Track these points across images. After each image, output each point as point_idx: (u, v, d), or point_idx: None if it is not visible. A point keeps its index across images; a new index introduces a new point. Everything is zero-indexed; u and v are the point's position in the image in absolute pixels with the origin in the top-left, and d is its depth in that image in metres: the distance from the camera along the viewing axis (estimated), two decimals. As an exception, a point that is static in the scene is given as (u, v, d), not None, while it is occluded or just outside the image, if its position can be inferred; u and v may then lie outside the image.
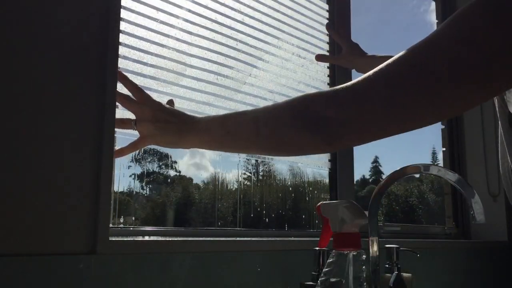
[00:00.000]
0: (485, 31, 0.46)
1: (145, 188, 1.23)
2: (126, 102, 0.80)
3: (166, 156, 1.23)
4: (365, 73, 1.19)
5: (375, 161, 2.33)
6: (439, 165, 1.24)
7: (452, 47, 0.48)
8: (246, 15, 1.23)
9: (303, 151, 0.70)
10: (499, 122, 0.72)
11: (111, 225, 0.82)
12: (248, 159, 1.33)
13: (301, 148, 0.65)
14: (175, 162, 1.24)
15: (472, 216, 0.93)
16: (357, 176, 1.47)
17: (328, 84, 1.44)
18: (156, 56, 1.02)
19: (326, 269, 0.73)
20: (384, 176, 1.06)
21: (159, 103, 0.79)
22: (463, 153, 1.91)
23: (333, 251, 0.75)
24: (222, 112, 1.13)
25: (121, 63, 0.94)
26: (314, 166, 1.41)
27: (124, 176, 1.06)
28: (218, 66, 1.15)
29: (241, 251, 0.97)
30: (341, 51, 1.19)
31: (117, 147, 0.83)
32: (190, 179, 1.33)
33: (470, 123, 1.91)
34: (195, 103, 1.08)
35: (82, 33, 0.79)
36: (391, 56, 1.07)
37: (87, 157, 0.77)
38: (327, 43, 1.47)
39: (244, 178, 1.35)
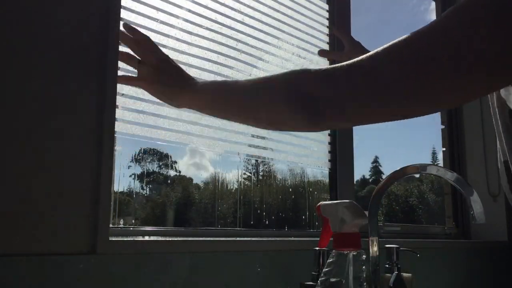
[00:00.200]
0: (487, 24, 0.46)
1: (145, 188, 1.23)
2: (135, 45, 0.80)
3: (166, 156, 1.23)
4: None
5: (375, 161, 2.33)
6: (439, 165, 1.24)
7: (453, 37, 0.48)
8: (246, 15, 1.23)
9: (290, 127, 0.69)
10: (498, 119, 0.71)
11: (111, 225, 0.82)
12: (248, 159, 1.33)
13: (288, 123, 0.64)
14: (175, 162, 1.24)
15: (472, 216, 0.93)
16: (357, 176, 1.48)
17: (328, 84, 1.44)
18: (156, 56, 1.02)
19: (326, 269, 0.73)
20: (384, 176, 1.06)
21: (166, 56, 0.79)
22: (463, 153, 1.91)
23: (333, 251, 0.75)
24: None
25: (121, 63, 0.93)
26: (314, 166, 1.41)
27: (124, 176, 1.06)
28: (218, 66, 1.15)
29: (241, 251, 0.97)
30: (343, 49, 1.19)
31: (117, 147, 0.83)
32: (190, 179, 1.33)
33: (470, 123, 1.91)
34: (195, 103, 1.08)
35: (82, 33, 0.79)
36: None
37: (87, 157, 0.77)
38: (327, 43, 1.47)
39: (244, 178, 1.35)
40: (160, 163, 1.24)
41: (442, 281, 1.48)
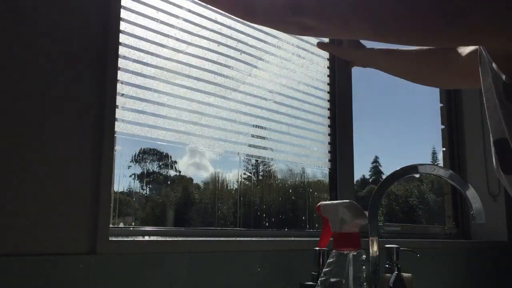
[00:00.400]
0: None
1: (145, 188, 1.23)
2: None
3: (166, 156, 1.23)
4: (363, 66, 1.20)
5: (375, 161, 2.33)
6: (439, 165, 1.24)
7: None
8: (246, 15, 1.23)
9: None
10: (494, 94, 0.70)
11: (111, 225, 0.82)
12: (248, 159, 1.33)
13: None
14: (175, 162, 1.24)
15: (472, 216, 0.93)
16: (357, 176, 1.48)
17: (328, 84, 1.44)
18: (156, 56, 1.02)
19: (326, 269, 0.73)
20: (384, 176, 1.06)
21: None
22: (463, 153, 1.91)
23: (333, 251, 0.75)
24: (222, 112, 1.13)
25: (121, 63, 0.94)
26: (314, 166, 1.41)
27: (124, 176, 1.06)
28: (218, 66, 1.15)
29: (241, 251, 0.97)
30: (342, 43, 1.19)
31: (117, 147, 0.84)
32: (190, 179, 1.33)
33: (470, 123, 1.91)
34: (195, 103, 1.08)
35: (82, 33, 0.79)
36: (389, 50, 1.08)
37: (87, 157, 0.77)
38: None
39: (244, 178, 1.35)
40: (160, 163, 1.24)
41: (442, 281, 1.48)
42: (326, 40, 1.35)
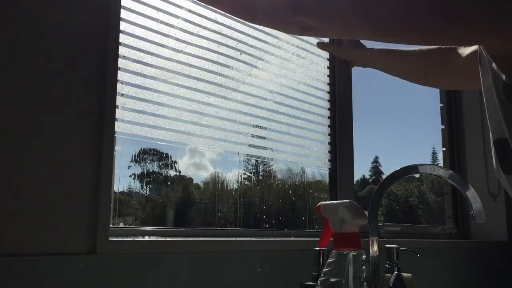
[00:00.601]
0: None
1: (145, 188, 1.23)
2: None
3: (166, 156, 1.23)
4: (363, 66, 1.20)
5: (375, 161, 2.33)
6: (439, 165, 1.24)
7: None
8: (246, 15, 1.23)
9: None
10: (494, 94, 0.70)
11: (111, 225, 0.82)
12: (248, 159, 1.33)
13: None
14: (175, 162, 1.24)
15: (472, 216, 0.93)
16: (357, 176, 1.47)
17: (328, 84, 1.44)
18: (156, 56, 1.02)
19: (326, 269, 0.73)
20: (384, 176, 1.06)
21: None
22: (463, 153, 1.91)
23: (333, 251, 0.75)
24: (222, 112, 1.13)
25: (121, 63, 0.94)
26: (314, 166, 1.41)
27: (124, 176, 1.06)
28: (218, 66, 1.15)
29: (241, 251, 0.97)
30: (341, 43, 1.19)
31: (117, 147, 0.84)
32: (190, 179, 1.33)
33: (470, 123, 1.91)
34: (195, 103, 1.08)
35: (82, 33, 0.79)
36: (389, 50, 1.07)
37: (87, 157, 0.77)
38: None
39: (244, 178, 1.35)
40: (160, 163, 1.24)
41: (442, 281, 1.48)
42: (326, 40, 1.35)
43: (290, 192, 1.45)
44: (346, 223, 0.75)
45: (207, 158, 1.30)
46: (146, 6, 1.01)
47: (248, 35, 1.23)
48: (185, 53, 1.08)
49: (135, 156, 1.14)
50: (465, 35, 0.57)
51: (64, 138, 0.75)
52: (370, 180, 2.28)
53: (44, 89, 0.74)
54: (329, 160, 1.41)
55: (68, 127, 0.76)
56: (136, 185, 1.18)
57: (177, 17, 1.08)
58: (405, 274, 1.03)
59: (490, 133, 0.72)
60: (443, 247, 1.57)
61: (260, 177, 1.43)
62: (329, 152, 1.41)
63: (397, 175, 1.00)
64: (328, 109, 1.43)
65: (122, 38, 0.95)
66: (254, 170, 1.40)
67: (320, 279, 0.74)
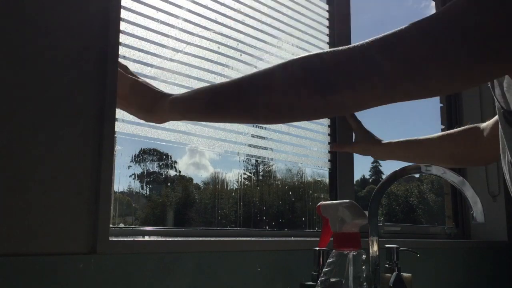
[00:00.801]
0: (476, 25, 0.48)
1: (145, 188, 1.23)
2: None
3: (166, 156, 1.23)
4: (381, 160, 1.18)
5: (375, 161, 2.33)
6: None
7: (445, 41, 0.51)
8: (246, 15, 1.23)
9: (293, 110, 0.66)
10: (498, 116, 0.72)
11: (111, 225, 0.82)
12: (248, 159, 1.33)
13: (293, 104, 0.63)
14: (175, 162, 1.24)
15: (472, 216, 0.93)
16: (357, 176, 1.47)
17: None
18: (156, 56, 1.02)
19: (326, 269, 0.73)
20: (384, 176, 1.06)
21: (134, 76, 0.83)
22: (463, 153, 1.90)
23: (333, 251, 0.75)
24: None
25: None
26: (314, 166, 1.41)
27: (124, 176, 1.06)
28: (218, 66, 1.15)
29: (241, 251, 0.97)
30: (356, 139, 1.21)
31: (117, 147, 0.84)
32: (190, 179, 1.33)
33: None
34: (195, 103, 1.08)
35: (82, 33, 0.79)
36: (407, 141, 1.07)
37: (87, 157, 0.77)
38: (327, 43, 1.47)
39: (244, 178, 1.35)
40: (160, 163, 1.24)
41: (442, 281, 1.48)
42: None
43: (290, 190, 1.45)
44: (346, 223, 0.75)
45: (207, 157, 1.30)
46: (146, 6, 1.01)
47: (248, 35, 1.23)
48: (185, 53, 1.08)
49: (135, 156, 1.14)
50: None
51: (64, 138, 0.75)
52: (370, 180, 2.28)
53: (44, 89, 0.74)
54: (329, 160, 1.41)
55: (68, 127, 0.76)
56: (136, 185, 1.18)
57: (177, 17, 1.08)
58: (405, 274, 1.03)
59: (508, 153, 0.73)
60: (443, 247, 1.57)
61: (260, 177, 1.43)
62: (329, 152, 1.41)
63: (397, 175, 1.00)
64: (328, 109, 1.42)
65: (122, 38, 0.95)
66: (254, 170, 1.40)
67: (320, 279, 0.74)
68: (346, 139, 1.40)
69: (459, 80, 0.54)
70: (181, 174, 1.29)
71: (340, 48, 0.60)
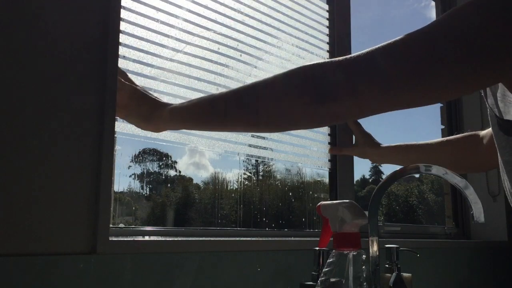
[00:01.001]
0: (476, 31, 0.48)
1: (145, 188, 1.23)
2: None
3: (166, 156, 1.23)
4: (380, 163, 1.17)
5: (375, 161, 2.33)
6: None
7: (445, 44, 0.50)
8: (246, 15, 1.23)
9: (294, 120, 0.66)
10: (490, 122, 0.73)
11: (111, 225, 0.82)
12: (248, 159, 1.33)
13: (294, 113, 0.63)
14: (175, 162, 1.24)
15: (472, 216, 0.93)
16: (357, 176, 1.48)
17: (328, 84, 1.44)
18: (156, 56, 1.02)
19: (326, 269, 0.73)
20: (384, 176, 1.06)
21: (133, 84, 0.83)
22: (463, 153, 1.90)
23: (333, 251, 0.75)
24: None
25: (121, 63, 0.93)
26: (314, 166, 1.41)
27: (124, 176, 1.06)
28: (218, 66, 1.15)
29: (241, 251, 0.97)
30: (356, 141, 1.21)
31: (117, 147, 0.84)
32: (190, 179, 1.33)
33: (470, 123, 1.91)
34: (195, 103, 1.08)
35: (82, 33, 0.79)
36: (407, 145, 1.07)
37: (87, 157, 0.77)
38: (327, 43, 1.47)
39: (244, 178, 1.35)
40: (160, 163, 1.24)
41: (442, 281, 1.48)
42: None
43: (290, 194, 1.45)
44: (346, 223, 0.75)
45: (207, 157, 1.30)
46: (146, 6, 1.01)
47: (248, 35, 1.23)
48: (185, 53, 1.08)
49: (135, 156, 1.14)
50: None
51: (64, 138, 0.75)
52: (370, 180, 2.28)
53: (44, 89, 0.74)
54: (329, 160, 1.42)
55: (68, 127, 0.76)
56: (136, 185, 1.18)
57: (177, 17, 1.08)
58: (405, 274, 1.03)
59: (499, 159, 0.73)
60: (443, 247, 1.57)
61: (260, 177, 1.43)
62: (329, 152, 1.41)
63: (397, 175, 1.00)
64: (328, 109, 1.42)
65: (122, 38, 0.95)
66: (254, 170, 1.40)
67: (320, 279, 0.74)
68: (346, 140, 1.40)
69: (459, 87, 0.54)
70: (181, 174, 1.29)
71: (341, 57, 0.60)
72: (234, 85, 1.17)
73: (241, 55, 1.20)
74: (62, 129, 0.75)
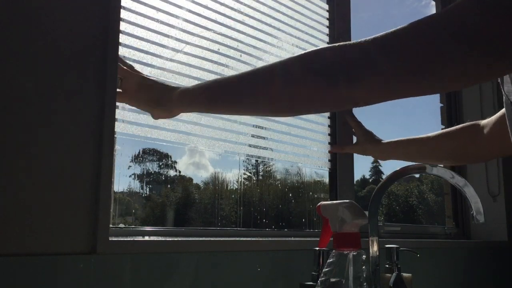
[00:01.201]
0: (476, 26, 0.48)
1: (145, 188, 1.23)
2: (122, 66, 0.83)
3: (166, 156, 1.23)
4: (383, 160, 1.17)
5: (375, 161, 2.33)
6: (439, 165, 1.23)
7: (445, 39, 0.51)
8: (246, 15, 1.23)
9: (310, 101, 0.65)
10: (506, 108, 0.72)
11: (111, 225, 0.82)
12: (248, 159, 1.33)
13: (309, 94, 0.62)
14: (175, 162, 1.24)
15: (472, 216, 0.93)
16: (357, 176, 1.48)
17: (328, 84, 1.44)
18: (156, 56, 1.02)
19: (326, 269, 0.73)
20: (384, 176, 1.06)
21: (143, 76, 0.83)
22: (463, 153, 1.90)
23: (333, 251, 0.75)
24: (222, 112, 1.13)
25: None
26: (314, 166, 1.41)
27: (124, 176, 1.06)
28: (218, 66, 1.15)
29: (241, 251, 0.97)
30: (357, 139, 1.21)
31: (117, 147, 0.84)
32: (190, 179, 1.33)
33: (470, 123, 1.91)
34: (195, 103, 1.08)
35: (82, 33, 0.79)
36: (408, 140, 1.06)
37: (87, 157, 0.77)
38: (327, 43, 1.47)
39: (244, 178, 1.35)
40: (160, 163, 1.24)
41: (442, 281, 1.48)
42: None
43: (290, 195, 1.45)
44: (346, 223, 0.75)
45: (207, 157, 1.30)
46: (146, 6, 1.01)
47: (248, 35, 1.23)
48: (185, 53, 1.08)
49: (135, 156, 1.14)
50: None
51: (64, 138, 0.75)
52: (370, 180, 2.28)
53: (44, 89, 0.74)
54: (329, 160, 1.42)
55: (68, 127, 0.76)
56: (136, 185, 1.18)
57: (177, 17, 1.08)
58: (405, 274, 1.03)
59: None
60: (443, 247, 1.57)
61: (260, 177, 1.43)
62: (329, 152, 1.41)
63: (397, 175, 1.00)
64: (328, 109, 1.43)
65: (122, 38, 0.95)
66: (254, 170, 1.40)
67: (320, 279, 0.74)
68: (346, 140, 1.40)
69: (463, 78, 0.54)
70: (181, 174, 1.29)
71: (352, 42, 0.60)
72: (234, 85, 1.17)
73: (241, 55, 1.20)
74: (62, 129, 0.75)
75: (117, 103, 0.82)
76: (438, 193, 2.16)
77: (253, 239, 1.06)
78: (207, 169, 1.32)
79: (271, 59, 1.28)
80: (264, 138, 1.25)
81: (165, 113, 0.81)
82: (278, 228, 1.32)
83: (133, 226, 1.03)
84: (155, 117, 0.83)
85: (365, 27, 1.74)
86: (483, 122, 0.96)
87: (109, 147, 0.79)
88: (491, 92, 1.82)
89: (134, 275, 0.80)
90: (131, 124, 0.96)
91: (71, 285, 0.72)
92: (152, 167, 1.23)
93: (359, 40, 0.59)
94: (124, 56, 0.95)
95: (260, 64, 1.25)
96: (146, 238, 0.92)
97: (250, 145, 1.20)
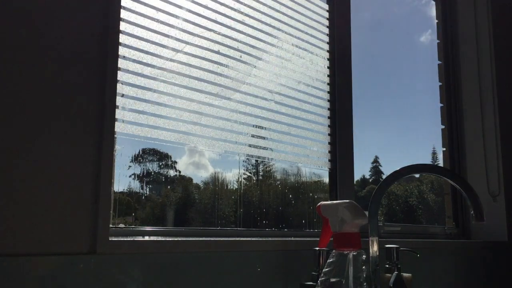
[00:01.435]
0: None
1: (145, 188, 1.23)
2: None
3: (166, 156, 1.23)
4: None
5: (375, 161, 2.32)
6: (439, 165, 1.24)
7: None
8: (246, 15, 1.23)
9: None
10: None
11: (111, 225, 0.82)
12: (248, 159, 1.33)
13: None
14: (175, 162, 1.24)
15: (472, 216, 0.93)
16: (357, 176, 1.47)
17: (328, 84, 1.44)
18: (156, 56, 1.02)
19: (326, 269, 0.73)
20: (384, 176, 1.06)
21: None
22: (463, 153, 1.91)
23: (333, 251, 0.75)
24: (222, 112, 1.13)
25: (121, 64, 0.94)
26: (314, 166, 1.41)
27: (124, 176, 1.06)
28: (218, 66, 1.15)
29: (241, 251, 0.97)
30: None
31: (117, 147, 0.84)
32: (190, 179, 1.33)
33: (470, 123, 1.91)
34: (195, 103, 1.08)
35: (82, 33, 0.79)
36: None
37: (87, 157, 0.77)
38: (327, 43, 1.47)
39: (244, 178, 1.35)
40: (160, 163, 1.23)
41: (442, 281, 1.48)
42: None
43: (290, 196, 1.45)
44: (346, 223, 0.75)
45: (207, 157, 1.30)
46: (146, 6, 1.01)
47: (248, 35, 1.23)
48: (185, 53, 1.08)
49: (135, 156, 1.14)
50: None
51: (64, 138, 0.75)
52: (370, 180, 2.28)
53: (44, 89, 0.74)
54: (329, 160, 1.42)
55: (68, 127, 0.76)
56: (136, 185, 1.18)
57: (177, 17, 1.08)
58: (405, 274, 1.03)
59: None
60: (443, 247, 1.57)
61: (260, 177, 1.43)
62: (329, 152, 1.41)
63: (397, 175, 1.00)
64: (328, 109, 1.43)
65: (122, 38, 0.95)
66: (254, 170, 1.40)
67: (320, 279, 0.74)
68: (346, 139, 1.40)
69: None
70: (181, 174, 1.29)
71: None
72: (234, 85, 1.18)
73: (241, 55, 1.20)
74: (62, 129, 0.75)
75: (117, 104, 0.82)
76: (438, 193, 2.16)
77: (253, 239, 1.06)
78: (207, 169, 1.32)
79: (271, 59, 1.28)
80: (264, 138, 1.25)
81: None
82: (278, 228, 1.32)
83: (133, 226, 1.03)
84: None
85: (365, 27, 1.74)
86: None
87: (109, 147, 0.79)
88: (491, 92, 1.82)
89: (134, 275, 0.80)
90: (131, 124, 0.96)
91: (71, 285, 0.72)
92: (152, 167, 1.22)
93: None
94: (124, 56, 0.96)
95: (260, 64, 1.25)
96: (146, 238, 0.92)
97: (250, 145, 1.20)
